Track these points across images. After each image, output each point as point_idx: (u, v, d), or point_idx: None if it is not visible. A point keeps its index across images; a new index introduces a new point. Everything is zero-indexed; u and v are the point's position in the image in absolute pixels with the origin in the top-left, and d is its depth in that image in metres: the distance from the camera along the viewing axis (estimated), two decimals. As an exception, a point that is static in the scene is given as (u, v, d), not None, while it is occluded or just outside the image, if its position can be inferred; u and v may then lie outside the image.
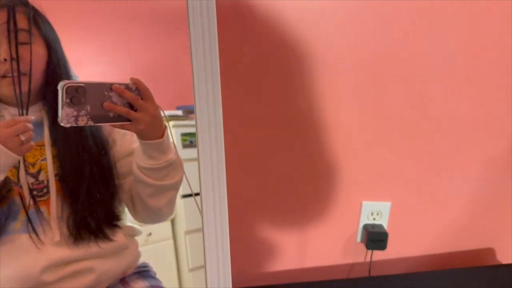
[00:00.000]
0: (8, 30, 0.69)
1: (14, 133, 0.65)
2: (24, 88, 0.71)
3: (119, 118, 0.67)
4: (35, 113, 0.76)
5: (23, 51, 0.71)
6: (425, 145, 1.12)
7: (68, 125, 0.61)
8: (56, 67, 0.76)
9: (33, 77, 0.73)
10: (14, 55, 0.69)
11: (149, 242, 1.02)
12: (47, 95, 0.76)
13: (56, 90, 0.60)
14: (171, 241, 1.11)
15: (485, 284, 1.13)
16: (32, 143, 0.68)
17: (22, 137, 0.65)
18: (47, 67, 0.75)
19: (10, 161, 0.66)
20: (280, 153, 1.10)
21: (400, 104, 1.08)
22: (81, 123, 0.62)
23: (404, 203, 1.18)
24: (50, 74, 0.75)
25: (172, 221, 1.11)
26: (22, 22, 0.71)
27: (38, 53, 0.73)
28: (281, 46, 1.01)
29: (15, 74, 0.70)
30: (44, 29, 0.75)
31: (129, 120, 0.68)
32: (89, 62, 0.88)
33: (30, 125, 0.67)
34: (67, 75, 0.78)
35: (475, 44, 1.05)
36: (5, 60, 0.69)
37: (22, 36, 0.71)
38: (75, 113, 0.61)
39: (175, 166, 0.78)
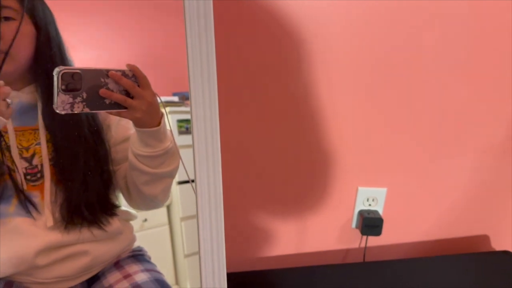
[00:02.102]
0: None
1: (0, 98, 0.63)
2: (7, 67, 0.68)
3: (115, 106, 0.66)
4: (28, 96, 0.74)
5: (4, 28, 0.67)
6: (422, 132, 1.12)
7: (63, 112, 0.60)
8: (46, 48, 0.73)
9: (17, 56, 0.70)
10: None
11: (145, 227, 1.02)
12: (39, 77, 0.74)
13: (48, 72, 0.59)
14: (166, 227, 1.11)
15: (480, 271, 1.14)
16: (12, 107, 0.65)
17: (9, 100, 0.64)
18: (36, 47, 0.72)
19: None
20: (276, 140, 1.09)
21: (397, 90, 1.07)
22: (77, 110, 0.62)
23: (400, 190, 1.18)
24: (40, 55, 0.73)
25: (168, 207, 1.11)
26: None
27: (22, 32, 0.69)
28: (278, 32, 1.00)
29: None
30: (32, 6, 0.71)
31: (126, 108, 0.67)
32: (85, 47, 0.86)
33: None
34: (60, 57, 0.76)
35: (475, 32, 1.04)
36: None
37: (3, 12, 0.67)
38: (70, 100, 0.60)
39: (172, 154, 0.78)
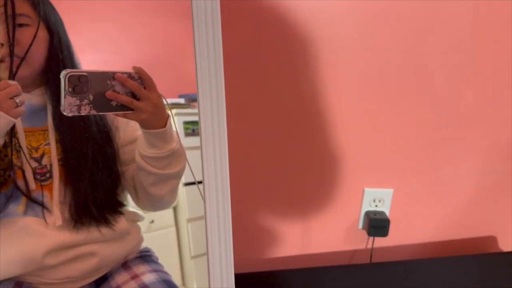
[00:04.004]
0: (5, 14, 0.67)
1: (8, 95, 0.63)
2: (23, 72, 0.70)
3: (121, 107, 0.67)
4: (38, 97, 0.75)
5: (20, 34, 0.69)
6: (428, 133, 1.12)
7: (70, 114, 0.61)
8: (58, 51, 0.75)
9: (33, 61, 0.71)
10: (11, 39, 0.68)
11: (152, 229, 1.03)
12: (50, 79, 0.75)
13: (59, 75, 0.60)
14: (173, 229, 1.11)
15: (487, 272, 1.13)
16: (23, 108, 0.65)
17: (17, 99, 0.64)
18: (49, 51, 0.74)
19: (5, 124, 0.64)
20: (283, 140, 1.10)
21: (403, 92, 1.07)
22: (84, 112, 0.62)
23: (406, 190, 1.18)
24: (52, 58, 0.74)
25: (175, 209, 1.11)
26: (20, 5, 0.69)
27: (37, 37, 0.71)
28: (286, 33, 1.00)
29: (13, 57, 0.68)
30: (44, 12, 0.73)
31: (132, 109, 0.68)
32: (92, 50, 0.87)
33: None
34: (70, 60, 0.77)
35: (480, 32, 1.03)
36: (2, 44, 0.68)
37: (19, 19, 0.69)
38: (77, 102, 0.61)
39: (178, 155, 0.78)
